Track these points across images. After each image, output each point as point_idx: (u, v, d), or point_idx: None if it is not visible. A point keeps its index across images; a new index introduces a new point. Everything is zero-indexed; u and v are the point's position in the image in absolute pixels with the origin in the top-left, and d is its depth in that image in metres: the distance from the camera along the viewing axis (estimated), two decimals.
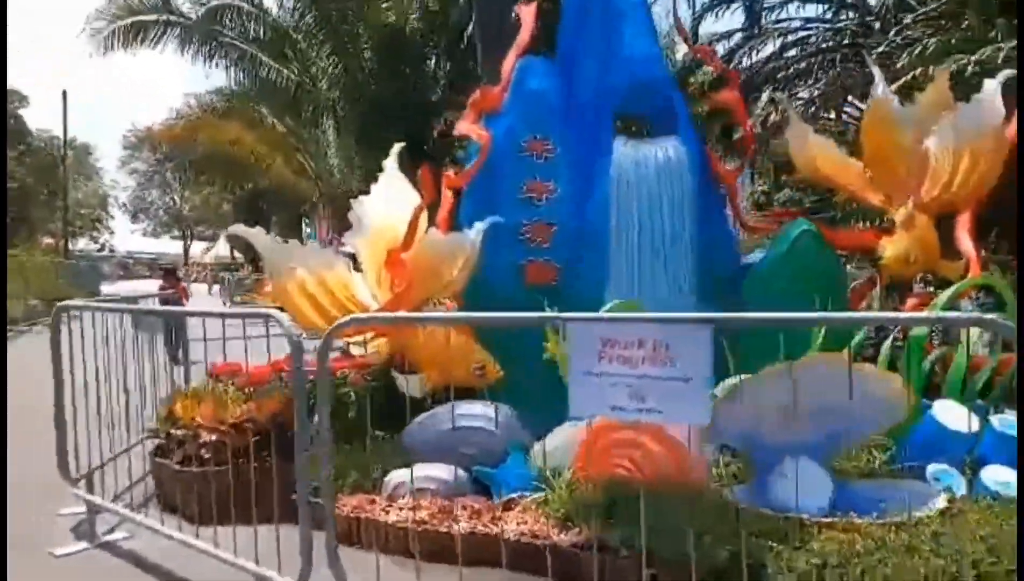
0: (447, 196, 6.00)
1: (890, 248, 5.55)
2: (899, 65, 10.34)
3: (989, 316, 2.76)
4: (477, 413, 4.67)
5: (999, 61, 8.69)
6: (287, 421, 4.51)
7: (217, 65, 17.86)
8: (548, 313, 3.75)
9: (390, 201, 5.75)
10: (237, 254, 50.05)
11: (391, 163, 5.99)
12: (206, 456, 4.47)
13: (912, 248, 5.49)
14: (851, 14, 14.33)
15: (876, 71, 6.20)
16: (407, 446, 4.70)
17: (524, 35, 6.54)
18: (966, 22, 10.57)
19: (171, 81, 74.98)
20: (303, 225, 27.24)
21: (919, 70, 9.30)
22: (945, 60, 9.28)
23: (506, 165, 6.22)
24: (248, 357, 4.60)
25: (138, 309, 5.45)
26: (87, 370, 4.59)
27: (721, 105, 6.62)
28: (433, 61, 18.36)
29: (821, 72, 13.08)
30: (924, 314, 4.66)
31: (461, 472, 4.46)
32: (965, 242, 5.71)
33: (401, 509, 4.16)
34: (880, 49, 11.11)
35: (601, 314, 4.06)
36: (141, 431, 5.65)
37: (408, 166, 19.26)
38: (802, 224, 5.64)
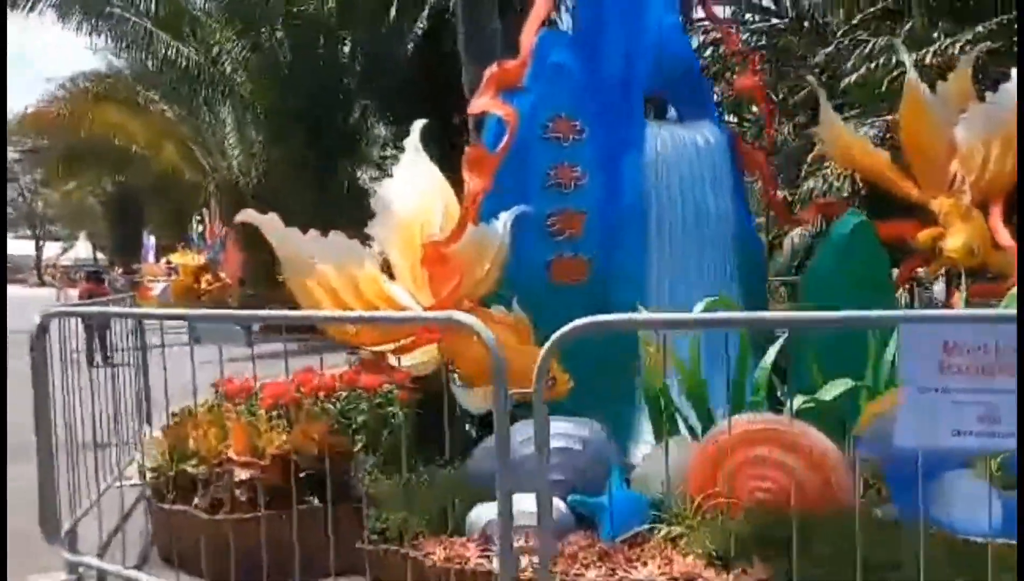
0: (471, 181, 5.26)
1: (952, 239, 5.34)
2: (849, 64, 10.49)
3: None
4: (562, 431, 3.99)
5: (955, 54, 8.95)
6: (341, 452, 3.70)
7: (104, 39, 15.92)
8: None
9: (417, 186, 4.94)
10: (100, 254, 45.93)
11: (414, 141, 5.17)
12: (242, 499, 3.55)
13: (974, 239, 5.31)
14: (757, 16, 14.63)
15: (907, 59, 6.03)
16: (474, 475, 3.97)
17: (542, 4, 5.88)
18: (909, 23, 10.87)
19: (51, 57, 67.32)
20: (192, 221, 25.09)
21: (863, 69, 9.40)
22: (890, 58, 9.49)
23: (530, 148, 5.53)
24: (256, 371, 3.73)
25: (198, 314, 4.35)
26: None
27: (742, 90, 6.28)
28: (348, 47, 17.23)
29: (730, 73, 13.32)
30: None
31: (560, 504, 3.77)
32: (1003, 234, 5.60)
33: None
34: (828, 50, 11.30)
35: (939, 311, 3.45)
36: (113, 469, 4.59)
37: (324, 159, 18.19)
38: (856, 216, 5.33)
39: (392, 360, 4.45)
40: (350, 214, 20.24)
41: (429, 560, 3.44)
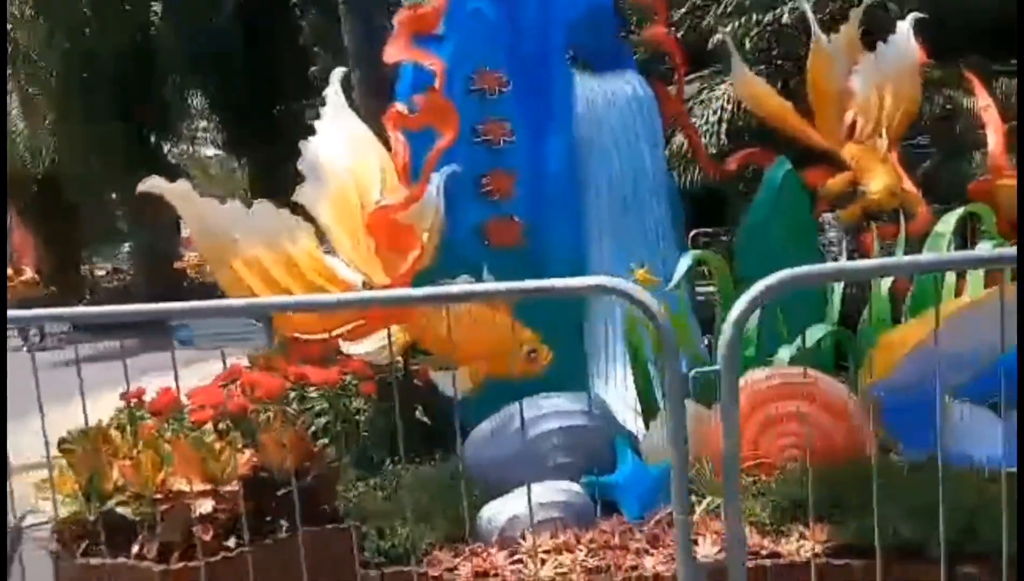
0: (399, 139, 4.63)
1: (875, 182, 5.47)
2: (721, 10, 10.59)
3: None
4: (559, 408, 3.59)
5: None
6: (317, 461, 3.06)
7: None
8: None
9: (345, 142, 4.24)
10: None
11: (335, 93, 4.43)
12: (205, 537, 2.80)
13: (895, 181, 5.48)
14: None
15: (808, 11, 6.12)
16: (472, 469, 3.47)
17: None
18: None
19: None
20: None
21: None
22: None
23: (454, 102, 5.00)
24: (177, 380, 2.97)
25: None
26: None
27: (652, 40, 6.08)
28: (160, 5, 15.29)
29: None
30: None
31: (575, 487, 3.37)
32: (906, 181, 5.87)
33: (547, 554, 2.97)
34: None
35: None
36: None
37: (133, 135, 16.15)
38: (784, 164, 5.32)
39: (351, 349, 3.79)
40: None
41: (454, 577, 2.91)
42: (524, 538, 3.09)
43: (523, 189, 5.17)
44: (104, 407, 3.40)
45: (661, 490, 3.42)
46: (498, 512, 3.22)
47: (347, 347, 3.89)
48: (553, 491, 3.28)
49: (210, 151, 24.78)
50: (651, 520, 3.21)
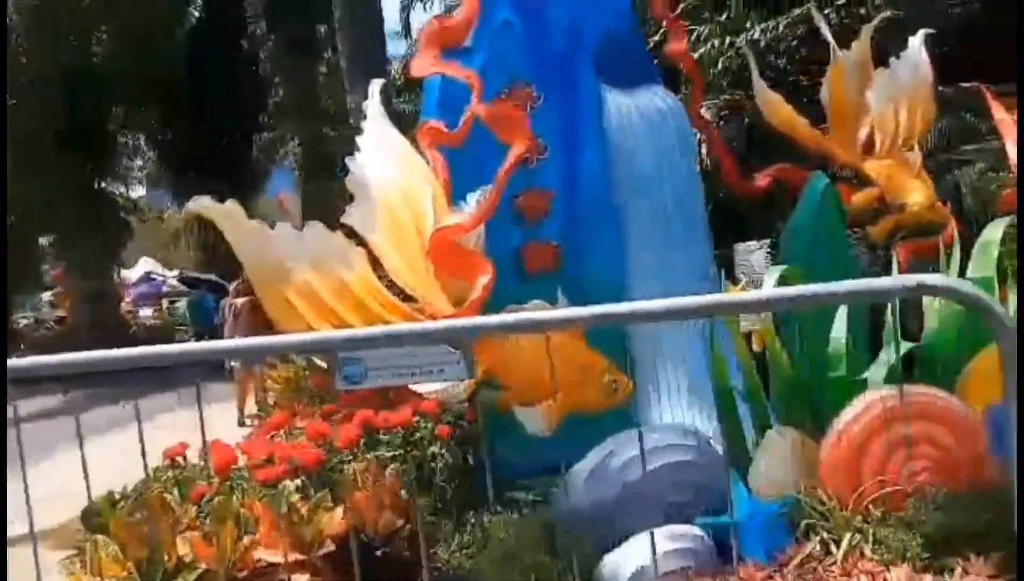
0: (437, 157, 4.27)
1: (914, 195, 5.37)
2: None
3: None
4: (668, 442, 3.25)
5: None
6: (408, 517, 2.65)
7: None
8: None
9: (391, 159, 3.86)
10: None
11: (377, 106, 4.04)
12: None
13: (931, 195, 5.39)
14: None
15: (825, 29, 6.07)
16: (574, 512, 3.09)
17: None
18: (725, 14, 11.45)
19: None
20: None
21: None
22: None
23: None
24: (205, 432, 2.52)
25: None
26: None
27: (671, 56, 5.90)
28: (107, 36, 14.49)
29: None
30: None
31: (695, 531, 3.02)
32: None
33: None
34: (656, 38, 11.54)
35: None
36: None
37: (75, 181, 15.18)
38: (822, 178, 5.17)
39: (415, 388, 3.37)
40: (107, 232, 17.30)
41: None
42: None
43: (558, 209, 4.88)
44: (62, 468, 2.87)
45: (779, 527, 3.12)
46: (621, 564, 2.84)
47: (414, 385, 3.46)
48: (673, 536, 2.93)
49: (140, 190, 23.47)
50: (789, 562, 2.88)
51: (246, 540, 2.43)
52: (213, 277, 12.20)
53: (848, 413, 3.24)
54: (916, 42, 6.08)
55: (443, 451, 3.16)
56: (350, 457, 2.91)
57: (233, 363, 7.51)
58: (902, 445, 3.12)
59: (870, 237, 5.71)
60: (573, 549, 2.87)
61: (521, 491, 3.35)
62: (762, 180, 5.69)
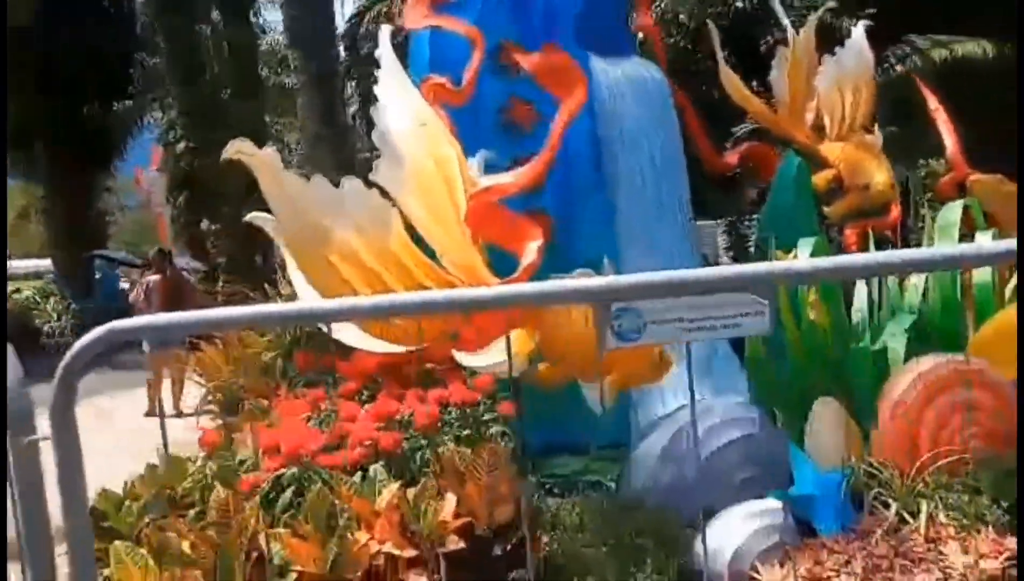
0: (442, 115, 3.91)
1: (880, 175, 5.58)
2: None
3: None
4: (735, 416, 3.13)
5: None
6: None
7: None
8: None
9: (413, 114, 3.48)
10: None
11: (390, 56, 3.62)
12: None
13: (891, 176, 5.62)
14: None
15: (781, 12, 6.19)
16: (651, 491, 2.91)
17: None
18: None
19: None
20: None
21: None
22: None
23: (479, 79, 4.38)
24: None
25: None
26: None
27: (641, 30, 5.81)
28: None
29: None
30: None
31: (776, 505, 2.92)
32: None
33: None
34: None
35: None
36: None
37: None
38: (796, 157, 5.27)
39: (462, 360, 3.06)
40: None
41: None
42: (757, 571, 2.59)
43: (551, 179, 4.65)
44: None
45: (847, 499, 3.10)
46: (715, 543, 2.69)
47: (465, 359, 3.13)
48: (760, 513, 2.82)
49: None
50: (868, 533, 2.84)
51: (359, 537, 2.05)
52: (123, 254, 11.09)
53: (899, 384, 3.27)
54: (858, 32, 6.35)
55: (508, 429, 2.88)
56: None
57: (145, 346, 6.72)
58: (954, 413, 3.18)
59: (827, 217, 5.92)
60: (660, 529, 2.70)
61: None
62: (731, 157, 5.76)
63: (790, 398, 3.52)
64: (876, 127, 5.85)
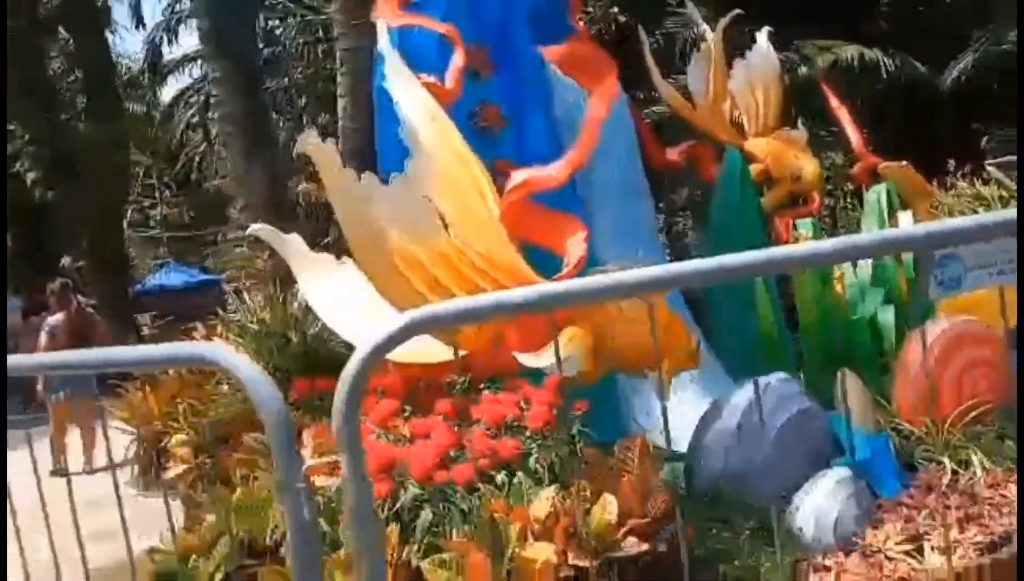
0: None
1: (809, 167, 5.91)
2: None
3: None
4: (786, 391, 3.17)
5: None
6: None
7: None
8: None
9: (425, 108, 3.28)
10: None
11: (387, 41, 3.38)
12: None
13: (819, 165, 5.97)
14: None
15: (698, 17, 6.47)
16: (723, 478, 2.88)
17: None
18: None
19: None
20: None
21: None
22: None
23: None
24: None
25: None
26: None
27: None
28: None
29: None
30: None
31: (845, 473, 2.96)
32: None
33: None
34: None
35: None
36: None
37: None
38: (737, 153, 5.50)
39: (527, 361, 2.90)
40: None
41: None
42: (858, 537, 2.63)
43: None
44: None
45: (896, 460, 3.22)
46: (811, 515, 2.70)
47: (529, 361, 2.95)
48: (841, 481, 2.86)
49: None
50: (931, 488, 2.96)
51: (536, 552, 1.84)
52: None
53: (916, 347, 3.45)
54: (762, 38, 6.78)
55: (586, 429, 2.74)
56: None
57: (54, 393, 5.90)
58: (970, 368, 3.40)
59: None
60: (752, 510, 2.68)
61: None
62: (673, 155, 5.92)
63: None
64: (799, 123, 6.22)
